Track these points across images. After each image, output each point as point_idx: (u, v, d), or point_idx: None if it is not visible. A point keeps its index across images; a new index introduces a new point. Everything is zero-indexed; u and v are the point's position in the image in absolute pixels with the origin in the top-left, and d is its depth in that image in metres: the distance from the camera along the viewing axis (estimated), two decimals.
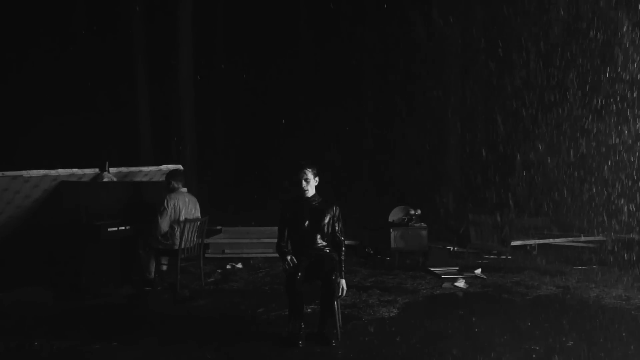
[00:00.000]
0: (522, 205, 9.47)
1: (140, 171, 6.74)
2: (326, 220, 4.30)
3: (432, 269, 6.76)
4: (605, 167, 8.72)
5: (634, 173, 8.48)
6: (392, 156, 13.99)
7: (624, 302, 5.21)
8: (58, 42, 13.69)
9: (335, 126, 15.02)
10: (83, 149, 11.64)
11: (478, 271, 6.61)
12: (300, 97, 15.92)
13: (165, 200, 5.61)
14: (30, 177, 5.29)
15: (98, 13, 13.93)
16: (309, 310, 4.81)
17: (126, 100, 12.58)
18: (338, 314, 4.23)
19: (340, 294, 4.14)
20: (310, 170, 4.30)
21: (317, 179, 4.35)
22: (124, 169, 6.48)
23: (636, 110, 8.59)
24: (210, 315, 5.06)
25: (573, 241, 8.28)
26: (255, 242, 7.86)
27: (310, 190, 4.31)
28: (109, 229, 5.48)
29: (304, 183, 4.28)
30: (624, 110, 8.57)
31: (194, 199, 5.89)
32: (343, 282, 4.17)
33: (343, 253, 4.31)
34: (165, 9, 11.71)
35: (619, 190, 8.41)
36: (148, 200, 6.14)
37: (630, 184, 8.47)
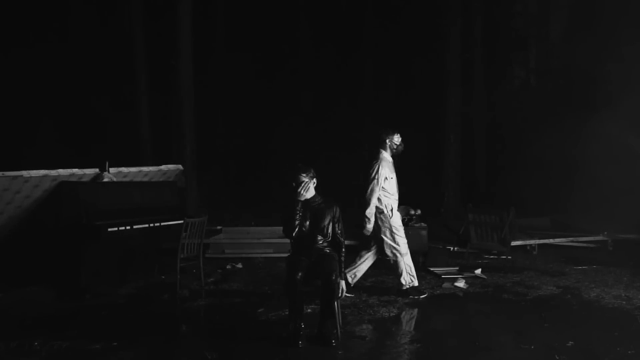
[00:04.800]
0: (524, 204, 9.47)
1: (140, 171, 6.74)
2: (326, 221, 4.29)
3: (432, 269, 6.76)
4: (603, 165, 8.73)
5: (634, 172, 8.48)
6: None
7: (624, 302, 5.21)
8: (57, 43, 13.68)
9: (336, 125, 15.03)
10: (83, 149, 11.65)
11: (478, 271, 6.61)
12: (301, 96, 15.93)
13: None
14: (31, 177, 5.30)
15: (98, 13, 13.93)
16: (309, 310, 4.81)
17: (126, 100, 12.57)
18: (338, 314, 4.23)
19: (340, 294, 4.14)
20: (304, 174, 4.28)
21: (314, 180, 4.33)
22: (124, 169, 6.48)
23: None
24: (210, 316, 5.07)
25: (573, 241, 8.27)
26: (255, 242, 7.85)
27: (308, 193, 4.29)
28: (109, 229, 5.48)
29: (300, 187, 4.24)
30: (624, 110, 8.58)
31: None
32: (343, 283, 4.17)
33: (343, 254, 4.31)
34: (165, 9, 11.71)
35: (620, 189, 8.42)
36: (148, 200, 6.14)
37: (630, 183, 8.47)
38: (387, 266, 7.10)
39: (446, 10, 10.99)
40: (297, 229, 4.21)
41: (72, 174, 5.75)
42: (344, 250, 4.32)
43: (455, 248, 7.78)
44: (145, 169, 6.88)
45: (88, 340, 4.19)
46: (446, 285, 6.02)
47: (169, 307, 5.35)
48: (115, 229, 5.55)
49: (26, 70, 12.59)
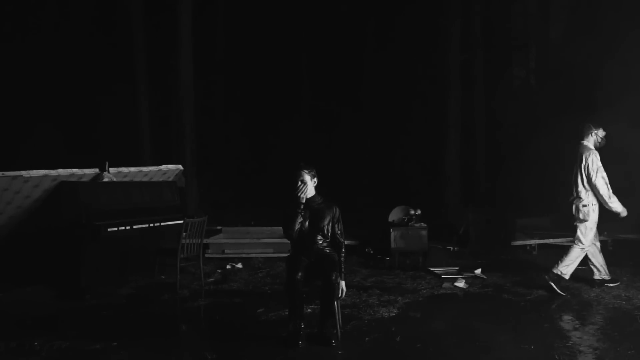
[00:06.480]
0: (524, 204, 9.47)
1: (140, 171, 6.74)
2: (326, 221, 4.28)
3: (432, 269, 6.76)
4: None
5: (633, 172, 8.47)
6: (392, 155, 14.01)
7: (624, 302, 5.21)
8: (57, 42, 13.67)
9: (335, 125, 15.04)
10: (83, 149, 11.64)
11: (478, 271, 6.60)
12: (301, 95, 15.94)
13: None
14: (30, 177, 5.29)
15: (97, 13, 13.93)
16: (309, 310, 4.81)
17: (126, 100, 12.57)
18: (338, 314, 4.23)
19: (339, 295, 4.13)
20: (306, 172, 4.27)
21: (315, 180, 4.31)
22: (124, 169, 6.48)
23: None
24: (210, 316, 5.07)
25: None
26: (255, 242, 7.85)
27: (309, 193, 4.28)
28: (109, 229, 5.47)
29: (298, 188, 4.21)
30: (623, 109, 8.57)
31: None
32: (343, 283, 4.16)
33: (343, 254, 4.30)
34: (165, 9, 11.71)
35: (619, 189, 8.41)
36: (148, 200, 6.13)
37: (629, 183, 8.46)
38: (385, 266, 7.13)
39: (446, 11, 11.00)
40: (297, 229, 4.20)
41: (72, 174, 5.74)
42: (344, 250, 4.32)
43: (455, 248, 7.78)
44: (145, 169, 6.88)
45: (88, 340, 4.19)
46: (446, 285, 6.03)
47: (169, 307, 5.35)
48: (115, 229, 5.55)
49: (24, 67, 12.57)
